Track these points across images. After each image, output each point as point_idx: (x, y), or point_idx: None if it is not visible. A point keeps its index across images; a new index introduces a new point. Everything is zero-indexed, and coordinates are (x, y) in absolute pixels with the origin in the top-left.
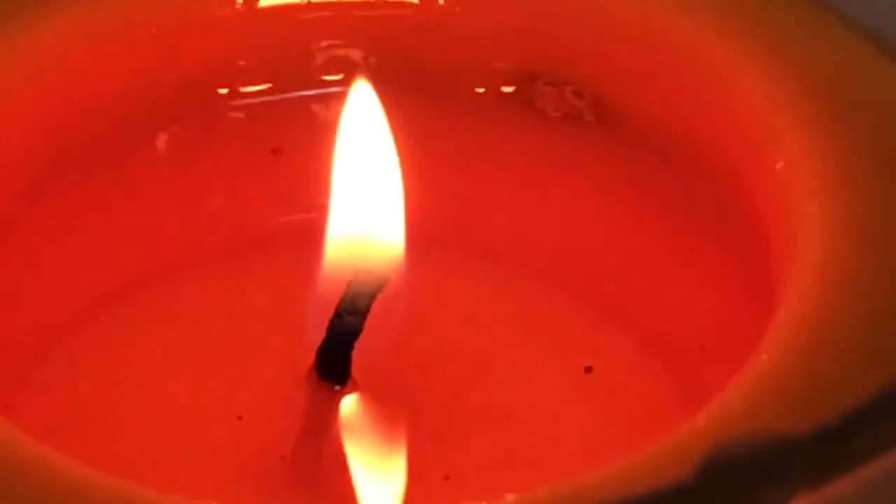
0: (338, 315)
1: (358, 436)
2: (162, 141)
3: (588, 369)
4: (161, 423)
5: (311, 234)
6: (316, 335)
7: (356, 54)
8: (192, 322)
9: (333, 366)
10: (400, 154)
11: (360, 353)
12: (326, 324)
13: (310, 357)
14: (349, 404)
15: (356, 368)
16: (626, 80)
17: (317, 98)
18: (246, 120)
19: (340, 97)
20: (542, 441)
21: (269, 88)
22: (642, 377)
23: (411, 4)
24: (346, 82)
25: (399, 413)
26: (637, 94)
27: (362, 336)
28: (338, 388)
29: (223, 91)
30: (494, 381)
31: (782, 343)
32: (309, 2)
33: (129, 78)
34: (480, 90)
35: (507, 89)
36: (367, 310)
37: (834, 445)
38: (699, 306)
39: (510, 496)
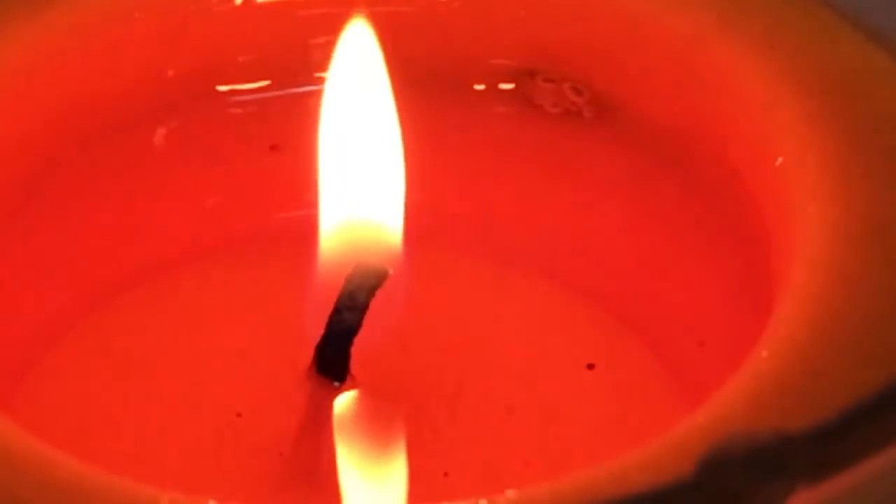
0: (337, 311)
1: (357, 432)
2: (160, 137)
3: (590, 366)
4: (160, 420)
5: (309, 230)
6: (315, 331)
7: None
8: (190, 318)
9: (332, 362)
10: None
11: (360, 350)
12: (325, 320)
13: (309, 353)
14: (348, 401)
15: (355, 365)
16: (625, 77)
17: (315, 94)
18: (244, 116)
19: None
20: (542, 438)
21: (268, 85)
22: (642, 374)
23: (410, 1)
24: None
25: (398, 409)
26: (636, 90)
27: (361, 332)
28: (337, 384)
29: (222, 87)
30: (494, 377)
31: (782, 340)
32: None
33: (127, 74)
34: (479, 87)
35: (506, 86)
36: (366, 306)
37: (833, 442)
38: (699, 302)
39: (510, 492)
